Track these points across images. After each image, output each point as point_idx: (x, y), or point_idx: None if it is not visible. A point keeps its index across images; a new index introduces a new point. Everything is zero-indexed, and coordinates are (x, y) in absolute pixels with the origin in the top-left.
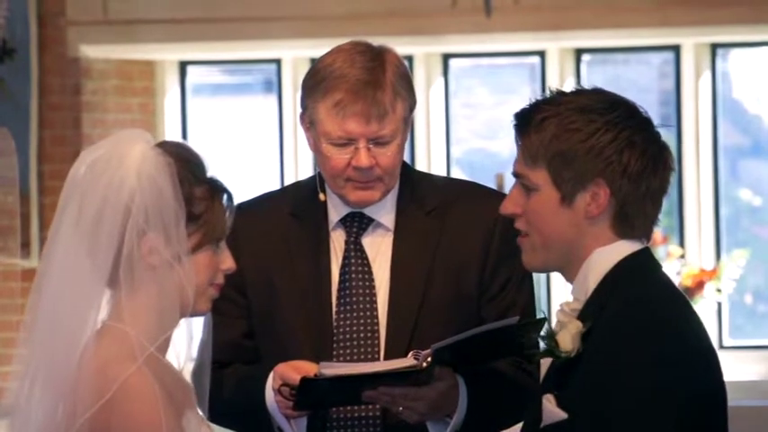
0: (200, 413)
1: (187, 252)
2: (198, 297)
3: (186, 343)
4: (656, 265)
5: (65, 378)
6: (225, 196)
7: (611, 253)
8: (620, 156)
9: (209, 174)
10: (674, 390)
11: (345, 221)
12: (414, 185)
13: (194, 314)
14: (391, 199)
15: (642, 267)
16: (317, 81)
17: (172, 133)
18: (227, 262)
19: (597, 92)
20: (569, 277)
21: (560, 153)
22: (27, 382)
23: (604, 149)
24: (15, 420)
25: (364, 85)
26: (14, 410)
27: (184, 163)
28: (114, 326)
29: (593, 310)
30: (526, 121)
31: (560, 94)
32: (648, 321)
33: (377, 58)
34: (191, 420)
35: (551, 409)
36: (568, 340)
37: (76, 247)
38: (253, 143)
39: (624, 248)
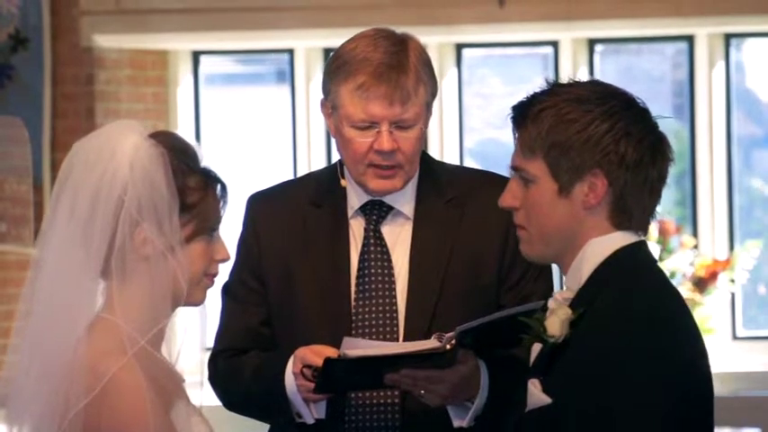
0: (194, 403)
1: (181, 242)
2: (192, 287)
3: (200, 332)
4: (650, 258)
5: (59, 369)
6: (218, 186)
7: (607, 243)
8: (617, 146)
9: (203, 164)
10: (665, 381)
11: (365, 209)
12: (433, 174)
13: (189, 304)
14: (411, 187)
15: (636, 259)
16: (339, 65)
17: (184, 123)
18: (222, 252)
19: (593, 83)
20: (564, 267)
21: (557, 144)
22: (23, 372)
23: (601, 140)
24: (12, 410)
25: (388, 68)
26: (11, 400)
27: (177, 153)
28: (106, 318)
29: (585, 299)
30: (523, 114)
31: (557, 85)
32: (639, 313)
33: (400, 43)
34: (180, 412)
35: (536, 393)
36: (557, 326)
37: (71, 239)
38: (265, 133)
39: (620, 239)
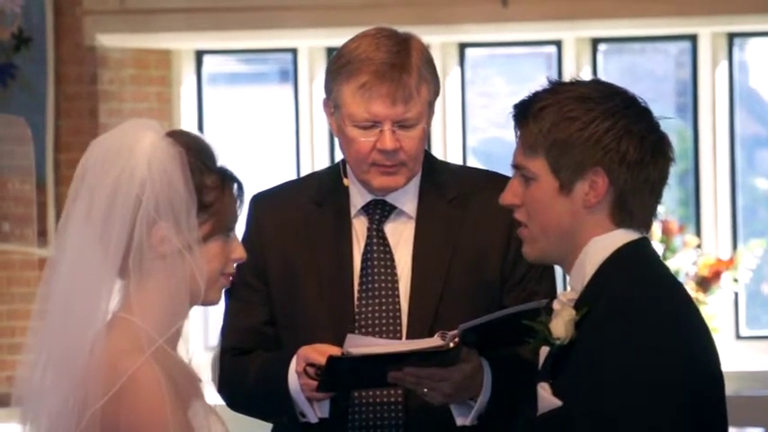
0: (209, 403)
1: (198, 241)
2: (209, 287)
3: (203, 332)
4: (654, 254)
5: (76, 368)
6: (235, 185)
7: (609, 241)
8: (619, 144)
9: (220, 163)
10: (672, 378)
11: (368, 208)
12: (436, 173)
13: (205, 304)
14: (414, 186)
15: (640, 256)
16: (341, 64)
17: (188, 122)
18: (238, 251)
19: (595, 82)
20: (567, 267)
21: (559, 141)
22: (38, 371)
23: (602, 138)
24: (27, 410)
25: (390, 67)
26: (26, 400)
27: (195, 152)
28: (124, 317)
29: (589, 298)
30: (525, 112)
31: (558, 84)
32: (642, 309)
33: (402, 42)
34: (198, 412)
35: (546, 397)
36: (561, 327)
37: (88, 238)
38: (269, 132)
39: (622, 237)
